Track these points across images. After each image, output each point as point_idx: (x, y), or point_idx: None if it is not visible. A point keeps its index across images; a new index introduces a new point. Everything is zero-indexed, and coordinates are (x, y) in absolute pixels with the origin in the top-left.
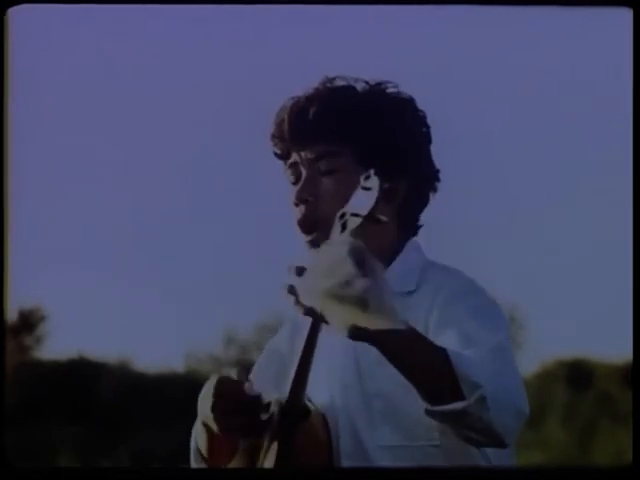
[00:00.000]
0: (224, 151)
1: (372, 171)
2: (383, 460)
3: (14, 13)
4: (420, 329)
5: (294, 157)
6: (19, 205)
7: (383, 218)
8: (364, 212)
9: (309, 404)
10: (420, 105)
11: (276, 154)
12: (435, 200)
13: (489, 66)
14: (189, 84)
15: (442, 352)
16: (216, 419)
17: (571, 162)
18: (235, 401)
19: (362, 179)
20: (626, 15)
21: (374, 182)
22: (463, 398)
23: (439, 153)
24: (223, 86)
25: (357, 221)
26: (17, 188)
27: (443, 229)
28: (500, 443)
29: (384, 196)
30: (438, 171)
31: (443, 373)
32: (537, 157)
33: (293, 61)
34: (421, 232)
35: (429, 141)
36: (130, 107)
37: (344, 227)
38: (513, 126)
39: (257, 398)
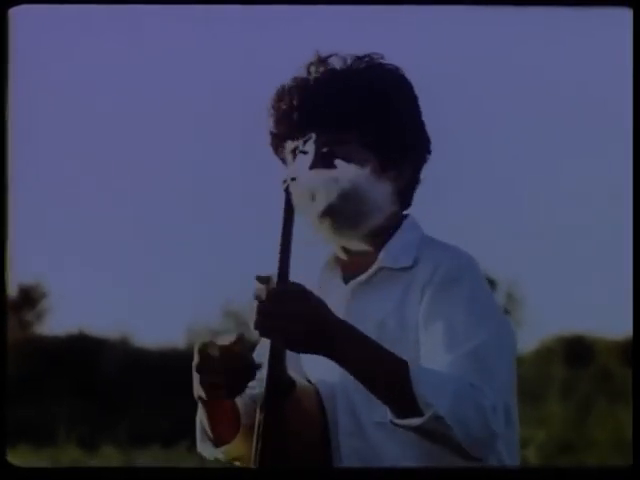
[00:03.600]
0: (223, 136)
1: (313, 135)
2: (380, 436)
3: (15, 13)
4: (414, 305)
5: (297, 142)
6: (20, 183)
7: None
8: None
9: (294, 377)
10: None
11: (273, 133)
12: (434, 176)
13: (489, 66)
14: (189, 83)
15: (403, 367)
16: (199, 381)
17: (571, 157)
18: (215, 362)
19: (301, 143)
20: (626, 15)
21: (311, 146)
22: (422, 414)
23: (440, 144)
24: (223, 86)
25: (295, 184)
26: (18, 171)
27: (442, 206)
28: (471, 458)
29: (322, 159)
30: (430, 142)
31: (402, 389)
32: (537, 153)
33: (293, 62)
34: (419, 208)
35: (420, 111)
36: (130, 106)
37: (287, 190)
38: (514, 124)
39: (241, 358)
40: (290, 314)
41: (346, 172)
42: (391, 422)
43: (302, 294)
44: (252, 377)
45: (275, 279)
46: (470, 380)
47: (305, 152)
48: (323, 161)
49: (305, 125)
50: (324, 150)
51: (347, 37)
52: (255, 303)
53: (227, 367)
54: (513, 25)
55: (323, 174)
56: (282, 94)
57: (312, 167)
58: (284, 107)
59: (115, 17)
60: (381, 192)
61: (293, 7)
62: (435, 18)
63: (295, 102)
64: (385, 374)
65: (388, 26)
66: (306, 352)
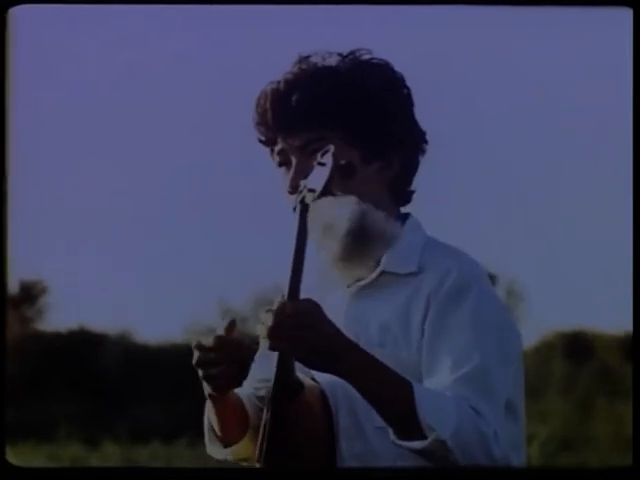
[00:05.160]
0: (222, 136)
1: (331, 147)
2: (380, 440)
3: (15, 13)
4: (419, 311)
5: (281, 144)
6: (21, 179)
7: (339, 194)
8: (319, 188)
9: (304, 379)
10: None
11: (261, 141)
12: (434, 174)
13: (488, 66)
14: (190, 82)
15: (407, 390)
16: (201, 374)
17: (571, 155)
18: (215, 352)
19: (319, 155)
20: (626, 15)
21: (329, 158)
22: (424, 437)
23: (441, 141)
24: (222, 86)
25: (312, 196)
26: (19, 168)
27: (442, 203)
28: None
29: (340, 172)
30: (424, 133)
31: (405, 411)
32: (538, 150)
33: (292, 61)
34: (420, 206)
35: (411, 103)
36: (130, 105)
37: (302, 201)
38: (513, 121)
39: (237, 343)
40: (300, 329)
41: (354, 206)
42: (393, 442)
43: (313, 309)
44: (249, 361)
45: (286, 293)
46: (472, 402)
47: (322, 164)
48: (341, 174)
49: (279, 125)
50: (342, 162)
51: (346, 37)
52: (266, 315)
53: (223, 355)
54: (513, 25)
55: (339, 204)
56: (259, 98)
57: (329, 180)
58: (260, 110)
59: (115, 17)
60: (384, 222)
61: (296, 7)
62: (434, 18)
63: (268, 104)
64: (389, 396)
65: (390, 26)
66: (312, 368)
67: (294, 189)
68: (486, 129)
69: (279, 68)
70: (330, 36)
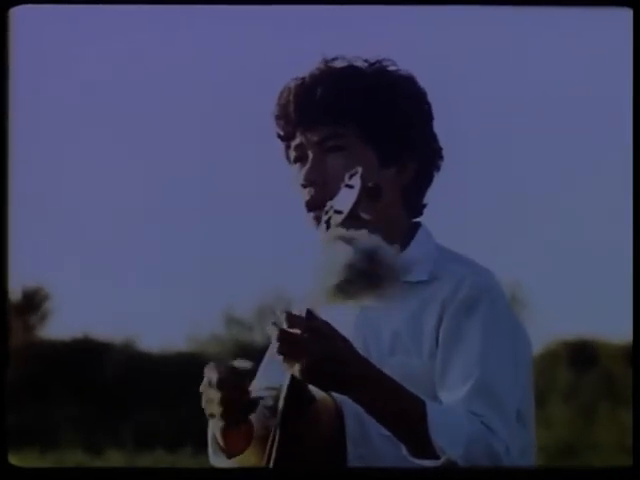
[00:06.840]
0: (225, 138)
1: (359, 169)
2: (385, 446)
3: (15, 13)
4: (432, 318)
5: (299, 139)
6: (22, 184)
7: (365, 216)
8: (346, 210)
9: (315, 390)
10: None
11: (279, 135)
12: (438, 178)
13: (487, 66)
14: (189, 81)
15: (420, 409)
16: (222, 411)
17: (572, 158)
18: (214, 390)
19: (347, 177)
20: (626, 15)
21: (357, 180)
22: (436, 457)
23: (443, 134)
24: (223, 90)
25: (339, 218)
26: (20, 172)
27: (446, 208)
28: None
29: (368, 194)
30: (441, 149)
31: (418, 432)
32: (539, 154)
33: (298, 60)
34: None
35: (431, 118)
36: (131, 106)
37: (328, 222)
38: (513, 125)
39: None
40: (312, 353)
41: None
42: (407, 458)
43: (327, 333)
44: (248, 412)
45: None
46: (486, 420)
47: (351, 187)
48: (368, 196)
49: (300, 118)
50: (370, 185)
51: (346, 37)
52: (278, 329)
53: (224, 398)
54: (513, 25)
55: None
56: (282, 92)
57: (356, 202)
58: (283, 102)
59: (115, 17)
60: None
61: (296, 7)
62: (433, 18)
63: (291, 97)
64: (402, 416)
65: (390, 26)
66: (323, 390)
67: (309, 182)
68: (485, 130)
69: (279, 68)
70: (330, 36)
